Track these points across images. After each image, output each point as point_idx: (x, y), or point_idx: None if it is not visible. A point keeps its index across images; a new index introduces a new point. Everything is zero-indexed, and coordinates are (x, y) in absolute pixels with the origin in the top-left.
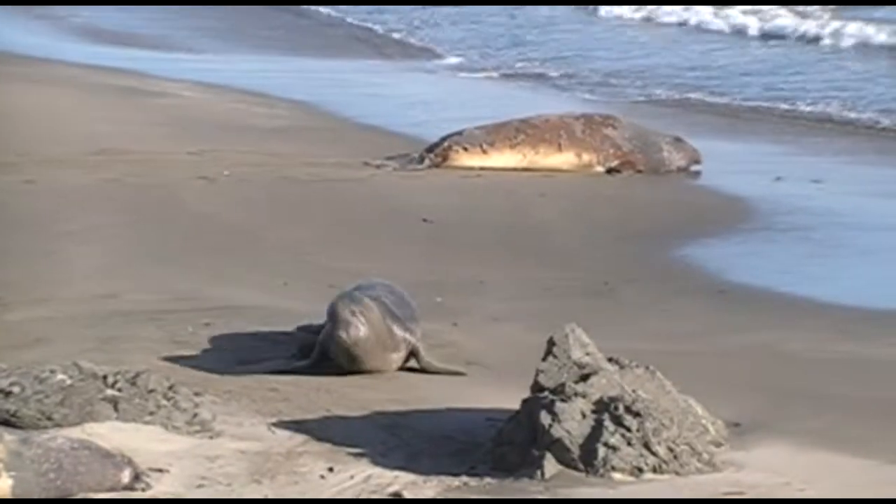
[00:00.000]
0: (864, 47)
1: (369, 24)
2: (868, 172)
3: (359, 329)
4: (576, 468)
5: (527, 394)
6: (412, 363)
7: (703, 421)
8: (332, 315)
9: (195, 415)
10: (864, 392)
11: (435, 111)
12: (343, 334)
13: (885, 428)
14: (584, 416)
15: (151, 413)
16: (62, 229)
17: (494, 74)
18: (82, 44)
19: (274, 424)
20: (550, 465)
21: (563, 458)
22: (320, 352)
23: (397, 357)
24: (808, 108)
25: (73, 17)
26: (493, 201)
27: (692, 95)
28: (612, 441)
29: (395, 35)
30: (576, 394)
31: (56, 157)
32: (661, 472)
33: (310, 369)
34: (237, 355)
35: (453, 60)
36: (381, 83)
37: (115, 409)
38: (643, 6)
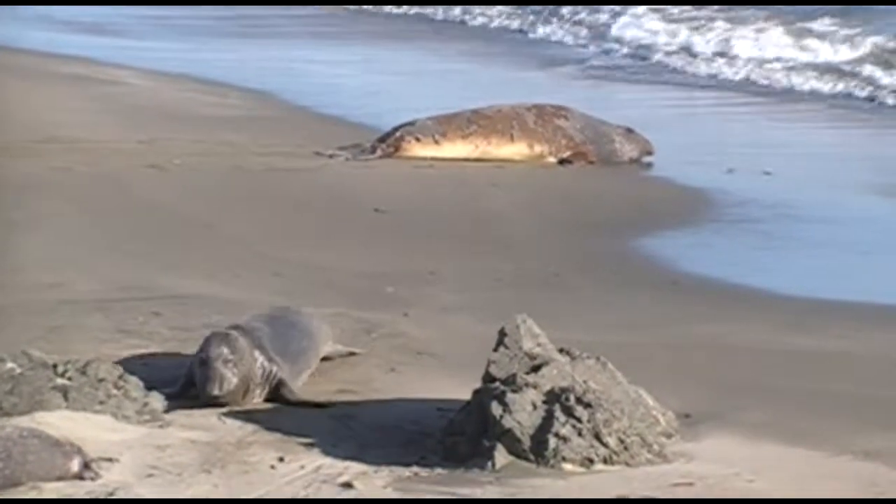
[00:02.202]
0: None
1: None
2: (818, 164)
3: (230, 382)
4: (526, 459)
5: (478, 384)
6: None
7: (654, 412)
8: (204, 364)
9: (145, 404)
10: (813, 384)
11: None
12: (215, 390)
13: (834, 419)
14: (534, 406)
15: (101, 402)
16: (9, 217)
17: None
18: (30, 30)
19: (224, 414)
20: (501, 456)
21: (514, 449)
22: (188, 379)
23: (260, 392)
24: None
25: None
26: (446, 192)
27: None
28: (563, 432)
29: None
30: (527, 384)
31: (3, 145)
32: (612, 463)
33: (176, 398)
34: (186, 345)
35: None
36: None
37: (65, 398)
38: None
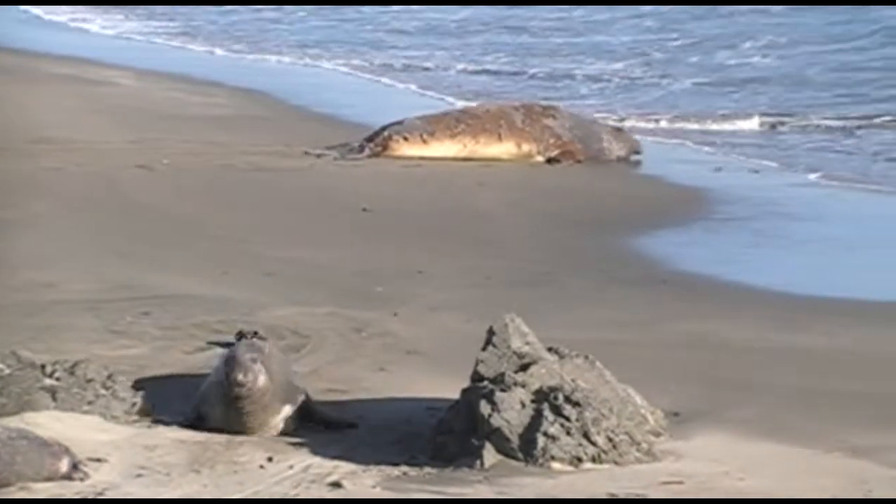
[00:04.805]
0: None
1: None
2: (803, 162)
3: (255, 374)
4: (515, 457)
5: (466, 383)
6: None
7: (643, 410)
8: (229, 359)
9: (134, 404)
10: (801, 381)
11: None
12: (240, 375)
13: (823, 417)
14: (523, 405)
15: (90, 402)
16: (0, 217)
17: None
18: (20, 31)
19: None
20: (490, 455)
21: (503, 448)
22: (198, 410)
23: (294, 416)
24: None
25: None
26: (433, 191)
27: None
28: (552, 431)
29: None
30: (515, 383)
31: None
32: (601, 462)
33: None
34: (176, 344)
35: None
36: None
37: (54, 398)
38: None
